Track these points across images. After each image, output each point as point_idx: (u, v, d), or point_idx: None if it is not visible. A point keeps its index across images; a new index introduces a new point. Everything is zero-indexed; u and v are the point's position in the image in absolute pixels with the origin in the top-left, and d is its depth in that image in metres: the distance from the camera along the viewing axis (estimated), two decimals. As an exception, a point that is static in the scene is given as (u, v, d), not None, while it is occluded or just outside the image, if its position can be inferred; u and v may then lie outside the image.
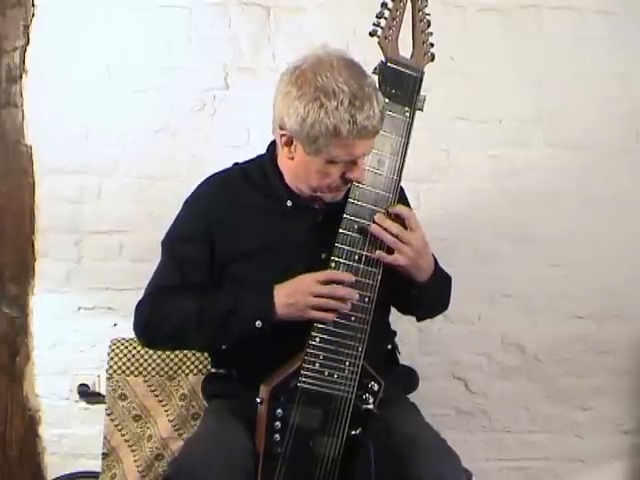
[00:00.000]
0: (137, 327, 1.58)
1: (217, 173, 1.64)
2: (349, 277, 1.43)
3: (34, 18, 2.11)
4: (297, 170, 1.49)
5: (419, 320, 1.71)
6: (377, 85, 1.43)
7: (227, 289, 1.56)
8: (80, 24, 2.12)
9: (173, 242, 1.61)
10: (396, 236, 1.44)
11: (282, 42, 2.14)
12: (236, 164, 1.65)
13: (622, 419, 2.34)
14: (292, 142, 1.44)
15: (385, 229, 1.44)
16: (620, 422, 2.34)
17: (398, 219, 1.46)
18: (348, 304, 1.43)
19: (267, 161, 1.58)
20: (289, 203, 1.54)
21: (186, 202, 1.63)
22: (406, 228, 1.46)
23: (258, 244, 1.53)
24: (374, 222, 1.44)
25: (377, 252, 1.45)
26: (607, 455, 2.35)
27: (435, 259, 1.57)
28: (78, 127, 2.15)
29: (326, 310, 1.43)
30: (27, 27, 2.11)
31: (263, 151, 1.62)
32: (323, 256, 1.48)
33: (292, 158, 1.47)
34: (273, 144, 1.57)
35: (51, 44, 2.12)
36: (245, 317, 1.46)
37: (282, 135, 1.45)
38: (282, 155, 1.51)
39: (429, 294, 1.57)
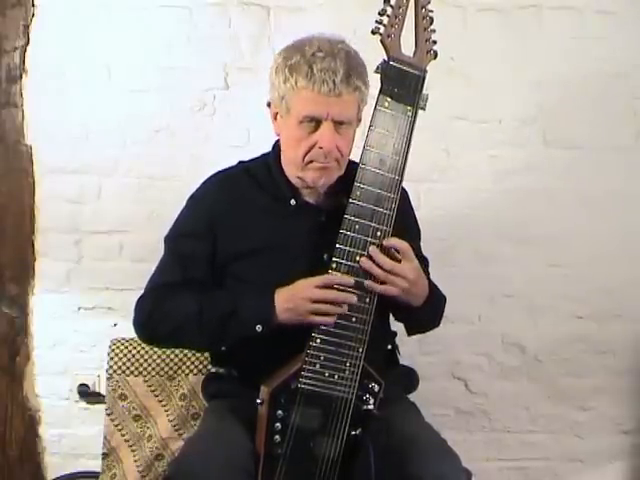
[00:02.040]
0: (137, 323, 1.58)
1: (222, 171, 1.65)
2: (347, 280, 1.42)
3: (34, 18, 2.11)
4: (283, 147, 1.54)
5: (409, 335, 1.70)
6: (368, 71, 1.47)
7: (228, 289, 1.56)
8: (80, 24, 2.12)
9: (175, 238, 1.61)
10: (389, 270, 1.43)
11: (282, 42, 2.09)
12: (241, 162, 1.66)
13: (622, 419, 2.34)
14: (277, 114, 1.51)
15: (377, 263, 1.43)
16: (620, 422, 2.34)
17: (392, 250, 1.45)
18: (345, 307, 1.43)
19: (272, 159, 1.59)
20: (292, 202, 1.55)
21: (190, 199, 1.64)
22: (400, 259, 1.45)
23: (260, 243, 1.54)
24: (367, 255, 1.43)
25: (367, 282, 1.42)
26: (607, 455, 2.35)
27: (430, 280, 1.57)
28: (78, 127, 2.15)
29: (325, 314, 1.42)
30: (27, 27, 2.11)
31: (263, 151, 1.63)
32: (325, 256, 1.48)
33: (279, 134, 1.53)
34: (278, 142, 1.58)
35: (51, 44, 2.12)
36: (245, 320, 1.46)
37: (268, 105, 1.53)
38: (280, 139, 1.56)
39: (420, 316, 1.58)
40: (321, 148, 1.45)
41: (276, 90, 1.47)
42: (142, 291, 1.60)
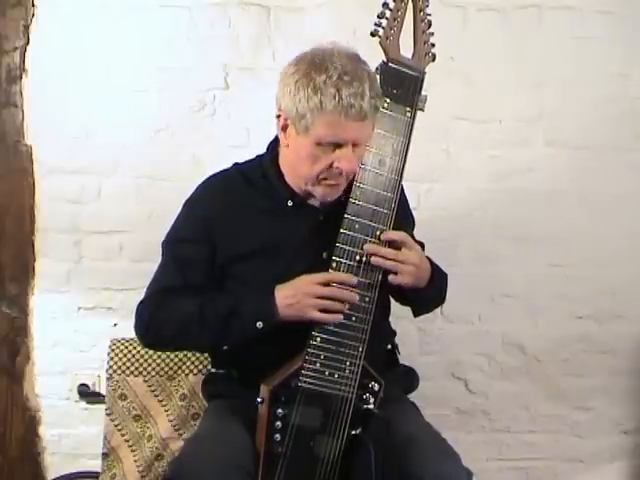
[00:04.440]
0: (138, 329, 1.58)
1: (216, 173, 1.64)
2: (349, 278, 1.43)
3: (34, 18, 2.11)
4: (291, 159, 1.50)
5: (416, 316, 1.71)
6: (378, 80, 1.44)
7: (228, 290, 1.56)
8: (80, 24, 2.11)
9: (173, 243, 1.61)
10: (393, 259, 1.44)
11: (282, 42, 2.14)
12: (236, 164, 1.65)
13: (622, 419, 2.34)
14: (287, 126, 1.46)
15: (382, 256, 1.43)
16: (620, 422, 2.35)
17: (393, 243, 1.46)
18: (346, 306, 1.43)
19: (267, 161, 1.58)
20: (290, 203, 1.54)
21: (186, 203, 1.63)
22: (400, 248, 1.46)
23: (259, 244, 1.53)
24: (369, 252, 1.43)
25: (390, 276, 1.44)
26: (607, 455, 2.36)
27: (430, 260, 1.57)
28: (78, 127, 2.15)
29: (326, 311, 1.42)
30: (27, 27, 2.11)
31: (263, 151, 1.62)
32: (324, 255, 1.48)
33: (287, 145, 1.48)
34: (273, 143, 1.58)
35: (51, 44, 2.12)
36: (246, 318, 1.46)
37: (278, 116, 1.47)
38: (281, 147, 1.52)
39: (426, 295, 1.59)
40: (339, 169, 1.43)
41: (294, 105, 1.40)
42: (142, 291, 1.60)
